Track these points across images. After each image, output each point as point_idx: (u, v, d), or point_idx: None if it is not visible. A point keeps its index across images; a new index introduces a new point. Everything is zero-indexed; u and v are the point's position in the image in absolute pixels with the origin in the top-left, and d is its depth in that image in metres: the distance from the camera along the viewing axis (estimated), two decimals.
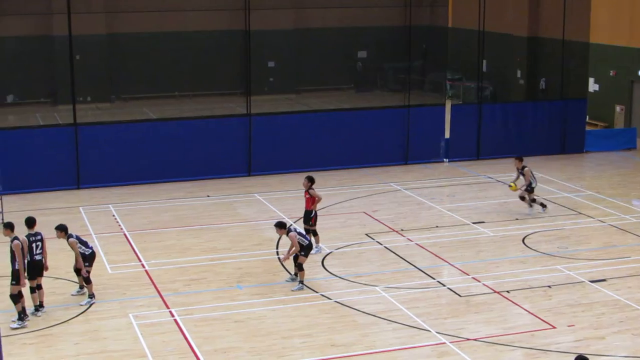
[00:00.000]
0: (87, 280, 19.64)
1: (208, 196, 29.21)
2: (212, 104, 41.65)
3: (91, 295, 19.69)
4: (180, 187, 30.48)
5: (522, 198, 26.69)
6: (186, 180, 31.04)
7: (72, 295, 20.03)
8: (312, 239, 22.27)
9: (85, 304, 19.48)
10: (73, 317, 18.82)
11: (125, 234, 25.01)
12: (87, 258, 19.63)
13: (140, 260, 22.66)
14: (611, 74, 40.35)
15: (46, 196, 28.98)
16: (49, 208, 27.27)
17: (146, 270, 21.86)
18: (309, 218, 22.95)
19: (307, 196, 22.86)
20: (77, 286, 20.10)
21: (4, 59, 44.35)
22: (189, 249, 23.61)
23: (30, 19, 43.81)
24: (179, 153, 31.36)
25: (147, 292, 20.32)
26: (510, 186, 27.11)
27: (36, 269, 18.87)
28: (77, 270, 19.84)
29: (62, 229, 19.53)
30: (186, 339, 17.71)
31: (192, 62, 46.34)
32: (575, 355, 13.37)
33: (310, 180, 22.89)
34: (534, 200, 26.61)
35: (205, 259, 22.77)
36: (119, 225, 25.89)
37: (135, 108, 42.73)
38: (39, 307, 18.96)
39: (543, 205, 26.71)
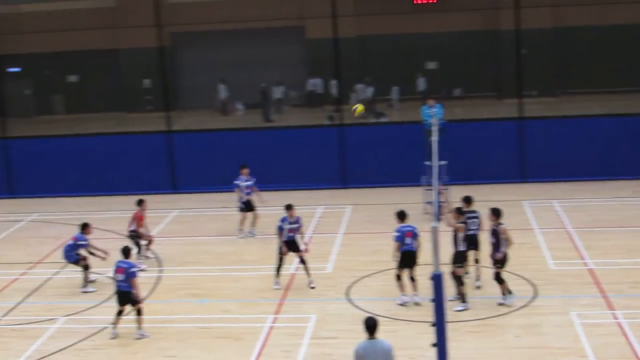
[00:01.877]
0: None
1: None
2: None
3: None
4: (628, 185, 29.28)
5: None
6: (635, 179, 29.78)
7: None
8: None
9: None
10: (515, 310, 18.73)
11: (568, 231, 24.52)
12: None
13: (583, 259, 22.07)
14: None
15: (491, 188, 29.18)
16: (493, 200, 27.43)
17: (590, 269, 21.23)
18: None
19: None
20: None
21: (452, 53, 45.52)
22: (636, 250, 22.57)
23: (477, 14, 44.49)
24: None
25: (590, 291, 19.70)
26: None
27: (472, 243, 19.17)
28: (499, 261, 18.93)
29: (497, 214, 19.06)
30: (630, 343, 16.90)
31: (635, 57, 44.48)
32: None
33: None
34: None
35: None
36: (562, 222, 25.44)
37: (580, 103, 41.91)
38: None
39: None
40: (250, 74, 45.35)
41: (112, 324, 18.38)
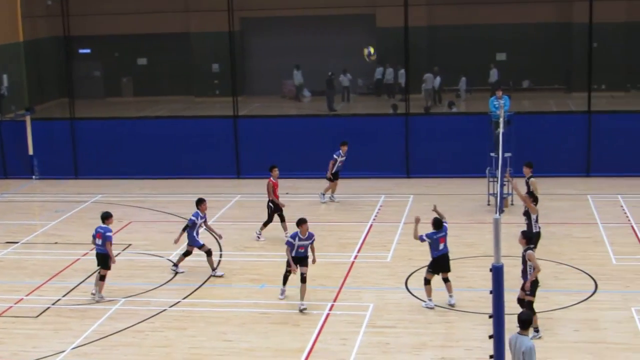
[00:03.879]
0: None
1: None
2: None
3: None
4: None
5: None
6: None
7: None
8: None
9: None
10: (574, 304, 18.47)
11: (632, 226, 24.13)
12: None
13: None
14: None
15: (556, 181, 28.75)
16: (557, 194, 27.22)
17: None
18: None
19: None
20: None
21: (521, 45, 44.95)
22: None
23: (550, 6, 43.92)
24: None
25: None
26: None
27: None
28: None
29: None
30: None
31: None
32: None
33: None
34: None
35: None
36: (627, 217, 25.06)
37: None
38: None
39: None
40: (319, 61, 45.35)
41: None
